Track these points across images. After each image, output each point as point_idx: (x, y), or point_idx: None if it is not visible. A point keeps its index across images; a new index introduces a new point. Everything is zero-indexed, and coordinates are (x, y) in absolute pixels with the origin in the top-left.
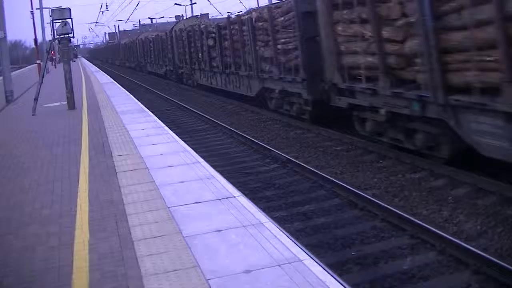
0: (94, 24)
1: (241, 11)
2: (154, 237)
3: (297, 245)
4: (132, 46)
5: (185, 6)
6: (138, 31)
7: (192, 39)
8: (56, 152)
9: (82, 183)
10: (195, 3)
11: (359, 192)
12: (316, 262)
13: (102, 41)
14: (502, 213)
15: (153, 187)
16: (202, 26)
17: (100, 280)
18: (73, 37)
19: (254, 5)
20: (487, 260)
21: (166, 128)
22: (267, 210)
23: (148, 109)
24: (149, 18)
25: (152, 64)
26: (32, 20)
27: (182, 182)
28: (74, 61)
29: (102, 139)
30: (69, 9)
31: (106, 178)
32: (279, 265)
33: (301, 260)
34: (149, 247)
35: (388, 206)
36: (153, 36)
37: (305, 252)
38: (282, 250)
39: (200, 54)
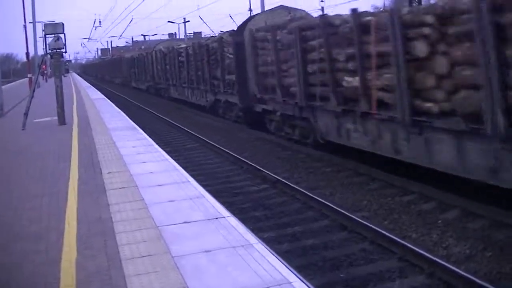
0: (87, 39)
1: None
2: (143, 257)
3: (286, 266)
4: (119, 63)
5: (178, 24)
6: (131, 47)
7: (167, 59)
8: (45, 168)
9: (70, 199)
10: (188, 21)
11: (348, 214)
12: (305, 283)
13: (94, 56)
14: (491, 236)
15: (142, 206)
16: (175, 48)
17: None
18: (65, 52)
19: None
20: (476, 284)
21: (156, 146)
22: (256, 230)
23: (139, 126)
24: (142, 35)
25: (137, 81)
26: (24, 33)
27: (172, 201)
28: (66, 76)
29: (92, 156)
30: (62, 24)
31: (95, 195)
32: (268, 287)
33: (290, 282)
34: (137, 266)
35: (378, 229)
36: (137, 55)
37: (294, 274)
38: (271, 272)
39: (172, 72)
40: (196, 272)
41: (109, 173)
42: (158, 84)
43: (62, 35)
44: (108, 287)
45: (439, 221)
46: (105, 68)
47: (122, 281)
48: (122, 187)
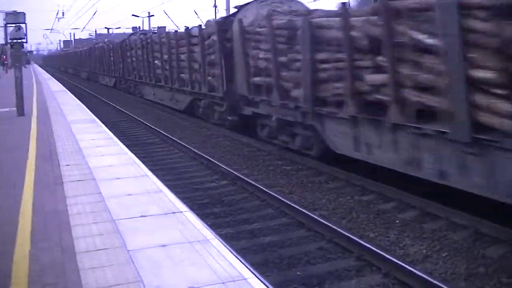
0: (50, 30)
1: (200, 25)
2: (98, 250)
3: (243, 263)
4: (85, 55)
5: (143, 18)
6: (94, 40)
7: (133, 52)
8: (1, 159)
9: (26, 191)
10: (153, 15)
11: (307, 212)
12: (261, 281)
13: (57, 48)
14: (448, 237)
15: (99, 199)
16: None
17: None
18: (26, 42)
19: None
20: (432, 284)
21: (116, 139)
22: (214, 226)
23: (99, 119)
24: (105, 28)
25: (105, 75)
26: None
27: (129, 194)
28: (26, 67)
29: (50, 148)
30: (24, 13)
31: (52, 187)
32: (224, 283)
33: (245, 279)
34: (92, 260)
35: (336, 228)
36: (105, 46)
37: (251, 271)
38: (227, 268)
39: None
40: (151, 266)
41: (67, 165)
42: (127, 79)
43: (23, 25)
44: (62, 281)
45: (397, 221)
46: (71, 60)
47: (76, 274)
48: (80, 180)
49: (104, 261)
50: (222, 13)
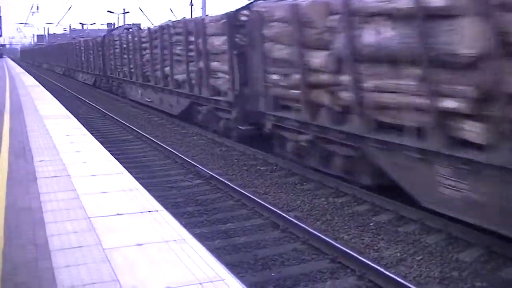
0: (23, 24)
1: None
2: (73, 248)
3: (219, 263)
4: (61, 49)
5: (118, 14)
6: (68, 35)
7: (117, 48)
8: None
9: None
10: (128, 12)
11: (281, 213)
12: (238, 282)
13: (30, 43)
14: (422, 241)
15: (74, 196)
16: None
17: None
18: (0, 35)
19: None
20: (406, 287)
21: (91, 136)
22: (189, 226)
23: (74, 116)
24: (80, 23)
25: (84, 72)
26: None
27: (104, 192)
28: None
29: (23, 143)
30: None
31: (25, 184)
32: (201, 283)
33: (223, 279)
34: (66, 258)
35: (310, 229)
36: (85, 41)
37: (227, 272)
38: (203, 268)
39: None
40: (127, 265)
41: (40, 161)
42: (109, 77)
43: None
44: (35, 279)
45: (372, 224)
46: (44, 55)
47: (50, 272)
48: (54, 176)
49: (79, 259)
50: (198, 12)
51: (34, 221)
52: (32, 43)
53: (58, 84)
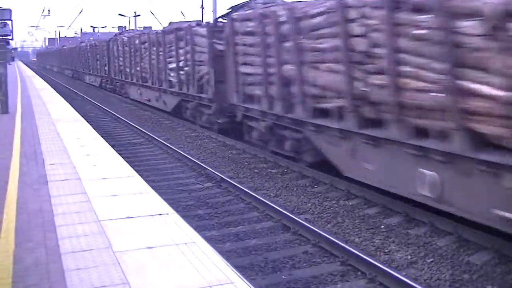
0: (35, 28)
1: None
2: (83, 251)
3: (229, 266)
4: (70, 53)
5: (129, 17)
6: (79, 38)
7: (120, 51)
8: None
9: (10, 190)
10: (139, 15)
11: (292, 216)
12: (248, 284)
13: (42, 46)
14: (433, 243)
15: (84, 199)
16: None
17: None
18: (12, 39)
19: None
20: None
21: (101, 139)
22: (199, 229)
23: (84, 119)
24: (91, 26)
25: (90, 75)
26: None
27: (115, 195)
28: (11, 64)
29: (34, 146)
30: (10, 10)
31: (36, 186)
32: (210, 286)
33: (232, 282)
34: (77, 261)
35: (321, 232)
36: (91, 44)
37: (237, 274)
38: (213, 271)
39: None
40: (137, 268)
41: (51, 164)
42: (113, 78)
43: (9, 22)
44: (46, 282)
45: (382, 226)
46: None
47: (61, 275)
48: (65, 179)
49: (89, 262)
50: (209, 14)
51: (45, 224)
52: (43, 46)
53: (68, 86)
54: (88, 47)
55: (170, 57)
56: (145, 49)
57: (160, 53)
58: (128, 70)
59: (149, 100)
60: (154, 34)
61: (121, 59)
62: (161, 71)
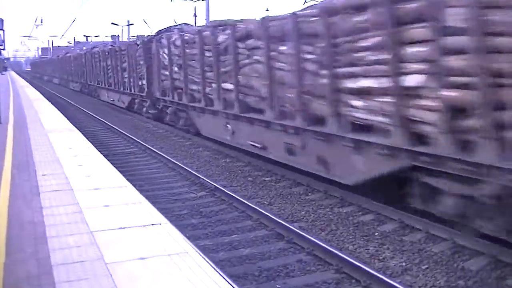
0: (28, 37)
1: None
2: (75, 262)
3: (222, 276)
4: (56, 63)
5: (122, 26)
6: (72, 48)
7: (93, 61)
8: None
9: (2, 201)
10: (132, 24)
11: (286, 224)
12: None
13: (34, 56)
14: (427, 250)
15: (76, 210)
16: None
17: None
18: (3, 49)
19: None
20: None
21: (94, 149)
22: (193, 238)
23: (77, 128)
24: (84, 35)
25: (73, 82)
26: None
27: (107, 206)
28: (3, 74)
29: (27, 157)
30: (2, 20)
31: (28, 197)
32: None
33: None
34: (68, 272)
35: (315, 240)
36: (73, 55)
37: (231, 284)
38: (206, 281)
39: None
40: (130, 279)
41: (44, 175)
42: (90, 84)
43: (1, 32)
44: None
45: (376, 234)
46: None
47: (52, 287)
48: (57, 190)
49: (81, 274)
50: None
51: (37, 235)
52: (36, 56)
53: (59, 95)
54: (72, 58)
55: (124, 67)
56: (108, 60)
57: (118, 64)
58: (99, 76)
59: (113, 100)
60: (109, 49)
61: (94, 68)
62: (118, 77)
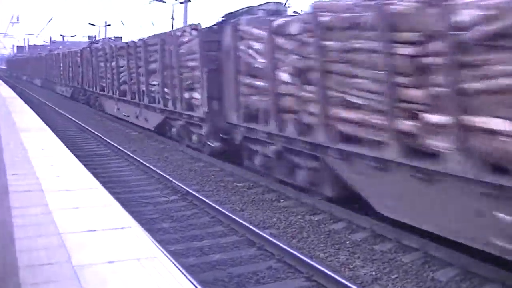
0: (3, 35)
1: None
2: (42, 265)
3: (191, 282)
4: (38, 61)
5: (99, 27)
6: (49, 47)
7: (95, 61)
8: None
9: None
10: (109, 25)
11: (257, 231)
12: None
13: (10, 54)
14: (398, 260)
15: (46, 211)
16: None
17: None
18: None
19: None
20: None
21: (67, 150)
22: (163, 242)
23: (51, 129)
24: (61, 35)
25: (61, 85)
26: None
27: (77, 207)
28: None
29: None
30: None
31: None
32: None
33: None
34: (35, 275)
35: (286, 247)
36: (63, 52)
37: None
38: (175, 287)
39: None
40: (97, 283)
41: (14, 174)
42: (87, 88)
43: None
44: None
45: (348, 242)
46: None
47: None
48: (27, 190)
49: (48, 276)
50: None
51: (4, 236)
52: (12, 54)
53: (35, 95)
54: (62, 56)
55: (151, 69)
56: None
57: (139, 65)
58: (104, 81)
59: (127, 116)
60: (124, 45)
61: (96, 70)
62: (139, 83)
